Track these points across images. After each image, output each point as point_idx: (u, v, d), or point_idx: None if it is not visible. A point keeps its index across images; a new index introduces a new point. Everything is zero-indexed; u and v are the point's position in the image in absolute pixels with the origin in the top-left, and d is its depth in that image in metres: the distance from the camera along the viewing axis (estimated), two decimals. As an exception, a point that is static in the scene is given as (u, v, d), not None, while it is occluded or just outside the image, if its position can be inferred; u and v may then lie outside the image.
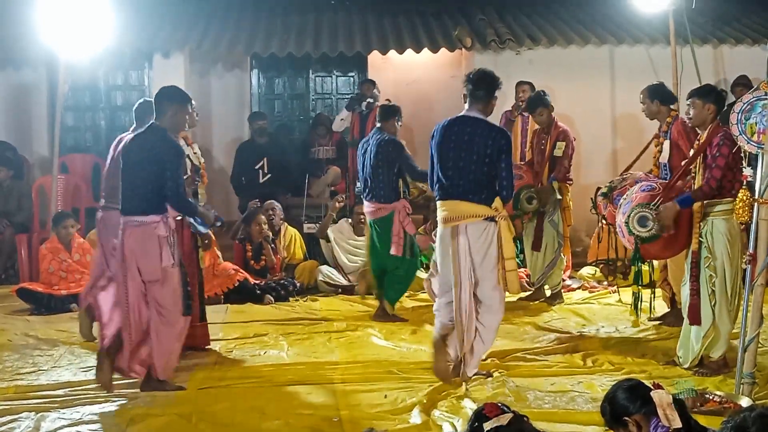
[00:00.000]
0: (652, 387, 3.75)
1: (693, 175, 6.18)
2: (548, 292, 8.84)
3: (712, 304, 6.02)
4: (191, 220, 6.24)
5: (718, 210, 6.01)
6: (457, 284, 5.98)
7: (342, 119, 11.18)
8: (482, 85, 6.06)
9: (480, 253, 5.95)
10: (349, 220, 9.99)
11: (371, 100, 10.64)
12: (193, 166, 6.97)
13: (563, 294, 8.90)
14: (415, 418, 5.23)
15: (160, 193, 5.77)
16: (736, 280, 6.04)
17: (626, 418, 3.68)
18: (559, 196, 8.63)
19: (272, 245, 9.68)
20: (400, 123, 8.27)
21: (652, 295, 7.11)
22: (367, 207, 8.29)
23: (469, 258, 5.95)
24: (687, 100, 6.27)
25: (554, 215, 8.66)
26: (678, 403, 3.65)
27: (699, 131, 6.25)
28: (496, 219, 5.94)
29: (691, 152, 6.34)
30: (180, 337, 5.97)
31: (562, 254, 8.78)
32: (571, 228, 10.25)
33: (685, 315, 6.21)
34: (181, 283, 5.88)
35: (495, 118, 10.29)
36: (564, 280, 9.64)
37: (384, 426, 5.01)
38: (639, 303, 6.75)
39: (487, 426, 3.51)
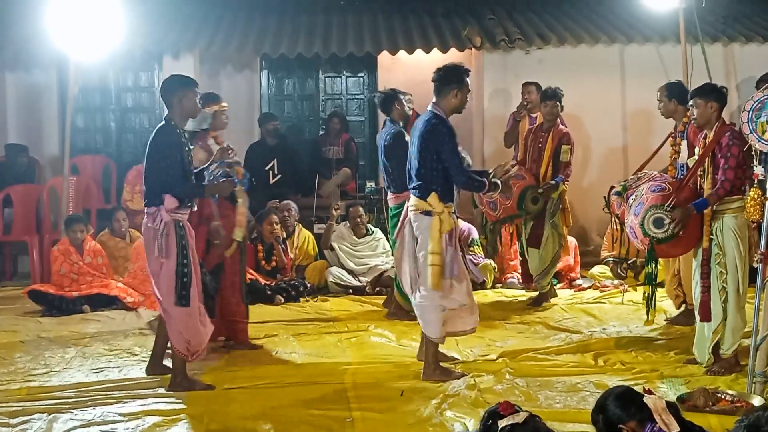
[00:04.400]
0: (642, 392, 3.72)
1: (701, 174, 6.16)
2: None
3: (723, 300, 6.02)
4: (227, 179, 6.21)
5: (728, 208, 6.01)
6: (401, 270, 6.37)
7: None
8: (438, 79, 6.19)
9: (420, 247, 6.14)
10: (347, 224, 9.95)
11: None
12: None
13: (576, 293, 8.91)
14: (427, 418, 5.23)
15: (154, 185, 5.87)
16: (745, 277, 6.04)
17: (621, 426, 3.64)
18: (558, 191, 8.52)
19: (283, 246, 9.68)
20: (407, 104, 8.23)
21: (652, 295, 6.97)
22: (389, 197, 8.30)
23: (411, 248, 6.22)
24: (689, 101, 6.26)
25: (555, 216, 8.59)
26: (672, 407, 3.63)
27: (706, 131, 6.21)
28: (432, 214, 6.07)
29: (696, 150, 6.32)
30: (184, 326, 5.95)
31: (560, 254, 8.75)
32: (581, 227, 10.26)
33: (696, 312, 6.20)
34: (176, 275, 5.87)
35: (502, 119, 10.41)
36: (575, 279, 9.66)
37: (396, 426, 5.02)
38: (652, 303, 6.71)
39: (501, 423, 3.49)
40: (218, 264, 6.92)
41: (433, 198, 6.05)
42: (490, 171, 6.32)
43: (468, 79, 6.19)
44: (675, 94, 7.17)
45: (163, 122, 6.00)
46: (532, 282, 8.91)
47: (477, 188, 6.29)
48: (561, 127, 8.65)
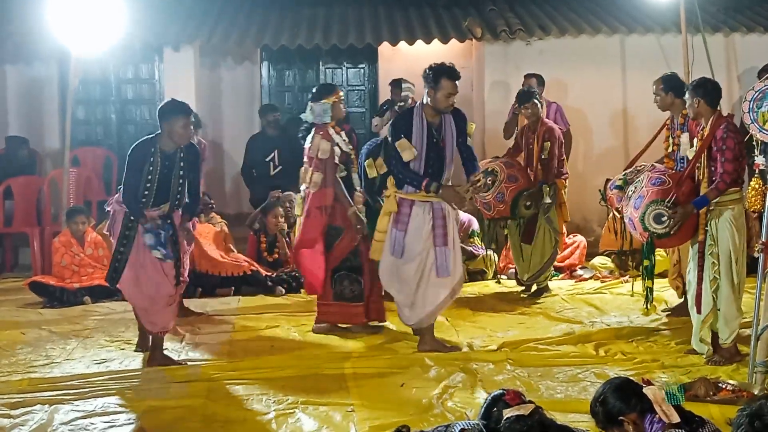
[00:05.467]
0: (641, 383, 3.71)
1: (699, 166, 6.13)
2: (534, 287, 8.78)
3: (713, 289, 6.01)
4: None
5: (724, 200, 5.99)
6: None
7: (376, 125, 11.10)
8: (422, 77, 6.52)
9: None
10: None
11: (402, 104, 9.51)
12: (342, 153, 7.24)
13: (577, 283, 8.90)
14: (428, 408, 5.24)
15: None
16: (742, 267, 6.03)
17: (622, 418, 3.63)
18: (548, 200, 8.44)
19: (287, 238, 9.68)
20: (407, 93, 8.57)
21: (650, 287, 6.97)
22: None
23: None
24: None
25: (549, 212, 8.54)
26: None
27: (702, 123, 6.18)
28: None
29: (694, 141, 6.30)
30: (129, 296, 6.55)
31: (557, 251, 8.74)
32: (582, 218, 10.23)
33: (692, 304, 6.20)
34: (112, 256, 6.46)
35: (503, 110, 10.40)
36: (576, 270, 9.65)
37: (397, 416, 5.03)
38: (651, 295, 6.72)
39: (507, 413, 3.48)
40: (353, 249, 7.19)
41: (390, 181, 6.69)
42: (479, 174, 6.73)
43: (446, 80, 6.37)
44: (671, 87, 7.09)
45: (145, 138, 6.29)
46: (523, 283, 8.84)
47: (411, 184, 6.56)
48: (547, 123, 8.59)
